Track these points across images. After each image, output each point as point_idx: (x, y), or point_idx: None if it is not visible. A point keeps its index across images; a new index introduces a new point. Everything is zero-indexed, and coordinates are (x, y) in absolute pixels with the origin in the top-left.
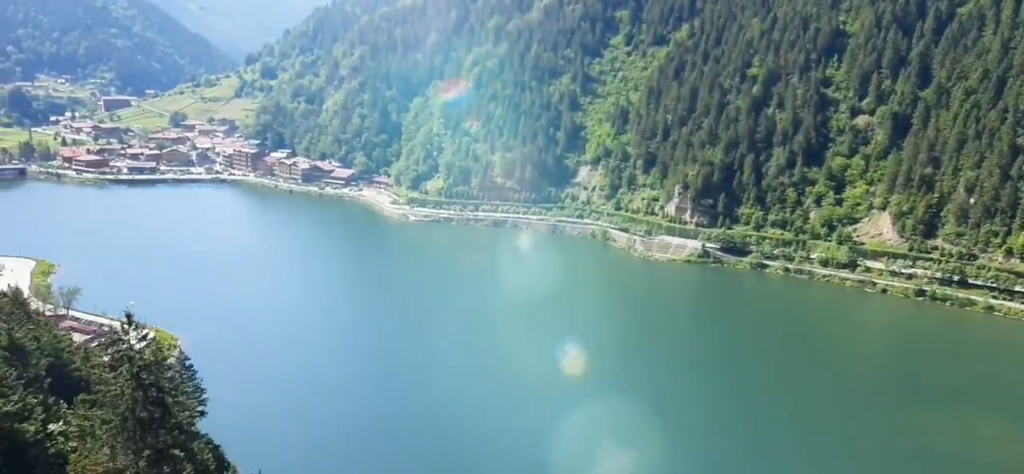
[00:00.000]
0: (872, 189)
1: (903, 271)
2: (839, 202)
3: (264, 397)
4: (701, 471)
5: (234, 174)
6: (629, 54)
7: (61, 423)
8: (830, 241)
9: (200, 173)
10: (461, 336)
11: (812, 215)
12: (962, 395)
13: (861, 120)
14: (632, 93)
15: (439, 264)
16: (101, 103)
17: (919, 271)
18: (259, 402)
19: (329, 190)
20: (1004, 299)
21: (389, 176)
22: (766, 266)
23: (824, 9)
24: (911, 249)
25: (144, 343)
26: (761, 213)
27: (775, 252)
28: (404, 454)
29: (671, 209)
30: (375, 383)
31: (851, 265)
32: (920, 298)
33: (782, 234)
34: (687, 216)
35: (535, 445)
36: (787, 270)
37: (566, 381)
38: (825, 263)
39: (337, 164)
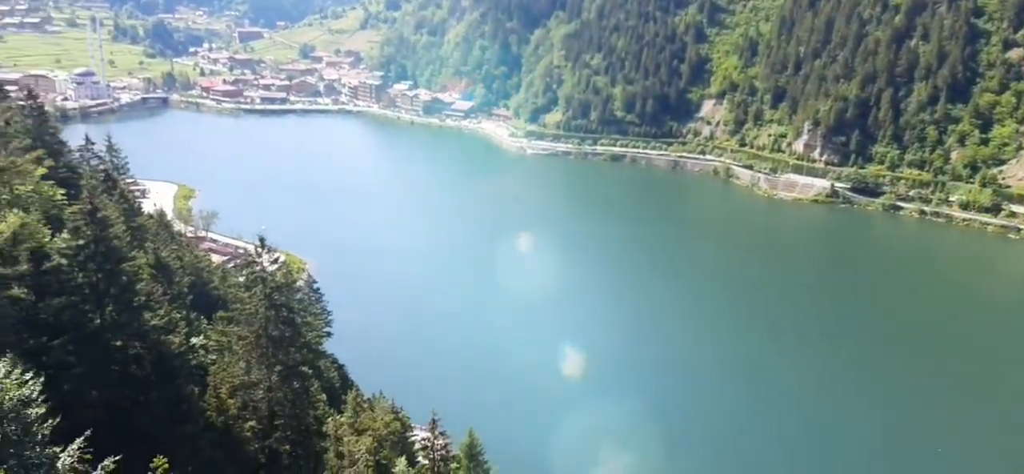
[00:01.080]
0: (1022, 128)
1: None
2: (985, 142)
3: (386, 322)
4: (823, 421)
5: (358, 105)
6: None
7: (202, 337)
8: (972, 183)
9: (327, 104)
10: (576, 273)
11: (954, 155)
12: None
13: (1015, 54)
14: (762, 24)
15: (557, 197)
16: (235, 35)
17: None
18: (380, 326)
19: (449, 122)
20: None
21: (508, 109)
22: (900, 208)
23: None
24: None
25: (276, 266)
26: (897, 152)
27: (910, 194)
28: (513, 379)
29: (799, 146)
30: (487, 309)
31: (994, 209)
32: None
33: (919, 175)
34: (816, 154)
35: (661, 382)
36: (923, 213)
37: (686, 324)
38: (965, 206)
39: (457, 96)
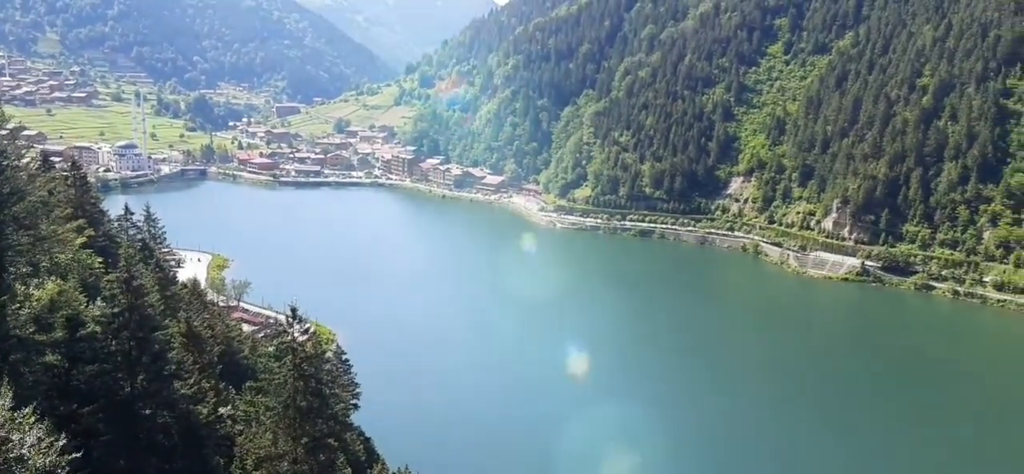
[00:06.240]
0: None
1: None
2: (1018, 222)
3: (413, 395)
4: None
5: (391, 179)
6: (787, 63)
7: (230, 407)
8: (1007, 264)
9: (360, 177)
10: (605, 347)
11: (986, 235)
12: None
13: None
14: (790, 103)
15: (587, 272)
16: (274, 109)
17: None
18: (408, 400)
19: (479, 196)
20: None
21: (538, 183)
22: (932, 287)
23: (1006, 14)
24: None
25: (306, 336)
26: (928, 231)
27: (943, 273)
28: (542, 457)
29: (828, 224)
30: (522, 386)
31: None
32: None
33: (952, 255)
34: (846, 232)
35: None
36: (956, 293)
37: (714, 406)
38: (1000, 287)
39: (488, 171)
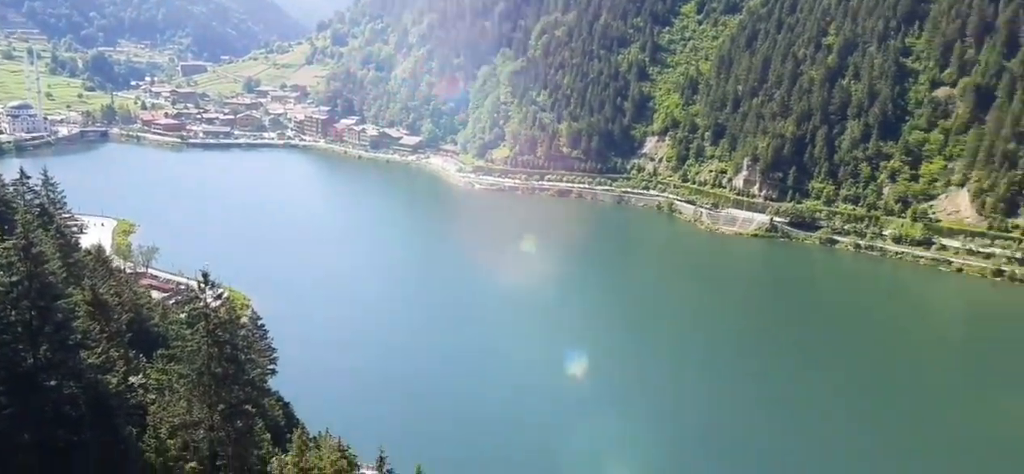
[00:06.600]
0: (951, 165)
1: (981, 250)
2: (915, 178)
3: (332, 358)
4: (755, 448)
5: (305, 140)
6: (700, 23)
7: (141, 376)
8: (904, 218)
9: (272, 138)
10: (522, 303)
11: (886, 191)
12: None
13: (941, 92)
14: (702, 63)
15: (505, 232)
16: (178, 68)
17: (998, 251)
18: (327, 362)
19: (396, 157)
20: None
21: (456, 144)
22: (836, 242)
23: None
24: (990, 228)
25: (219, 302)
26: (832, 188)
27: (846, 228)
28: (462, 413)
29: (739, 182)
30: (438, 346)
31: (926, 243)
32: (998, 278)
33: (854, 210)
34: (756, 189)
35: (593, 404)
36: (858, 246)
37: (624, 351)
38: (898, 240)
39: (405, 132)
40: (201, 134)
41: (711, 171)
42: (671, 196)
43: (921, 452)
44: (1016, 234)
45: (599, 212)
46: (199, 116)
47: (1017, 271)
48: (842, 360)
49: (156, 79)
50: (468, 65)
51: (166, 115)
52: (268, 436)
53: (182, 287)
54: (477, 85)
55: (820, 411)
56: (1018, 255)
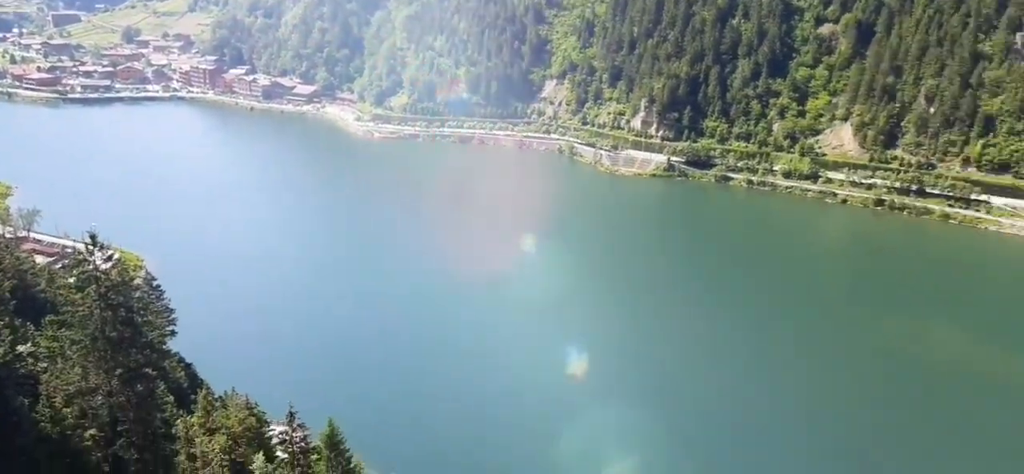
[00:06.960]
0: (835, 100)
1: (863, 182)
2: (802, 114)
3: (233, 315)
4: (659, 378)
5: (192, 92)
6: None
7: (29, 344)
8: (793, 153)
9: (157, 91)
10: (426, 252)
11: (775, 127)
12: (919, 300)
13: (826, 29)
14: (598, 5)
15: (406, 180)
16: (49, 18)
17: (879, 181)
18: (228, 320)
19: (291, 107)
20: (960, 207)
21: (353, 92)
22: (730, 179)
23: None
24: (871, 160)
25: (109, 264)
26: (726, 126)
27: (739, 165)
28: (370, 370)
29: (637, 123)
30: (341, 301)
31: (813, 177)
32: (879, 208)
33: (746, 147)
34: (653, 130)
35: (509, 354)
36: (750, 182)
37: (529, 298)
38: (788, 175)
39: (298, 80)
40: (79, 89)
41: (610, 113)
42: (571, 139)
43: (816, 367)
44: (895, 165)
45: (501, 157)
46: (75, 69)
47: (896, 200)
48: (739, 292)
49: (25, 31)
50: (362, 10)
51: (39, 69)
52: (171, 398)
53: (69, 250)
54: (371, 31)
55: (720, 337)
56: (896, 185)
